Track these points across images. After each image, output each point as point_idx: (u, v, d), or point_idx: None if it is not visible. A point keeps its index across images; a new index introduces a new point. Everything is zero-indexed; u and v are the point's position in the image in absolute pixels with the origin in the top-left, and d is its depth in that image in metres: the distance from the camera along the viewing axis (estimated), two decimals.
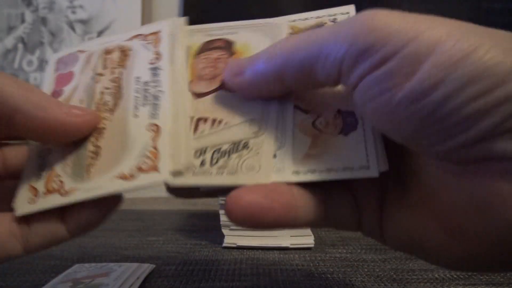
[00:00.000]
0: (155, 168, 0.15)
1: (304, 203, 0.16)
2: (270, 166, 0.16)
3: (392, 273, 0.27)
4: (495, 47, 0.12)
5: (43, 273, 0.28)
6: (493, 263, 0.15)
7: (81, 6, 0.71)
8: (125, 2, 0.70)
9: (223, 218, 0.34)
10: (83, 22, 0.71)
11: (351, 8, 0.19)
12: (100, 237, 0.37)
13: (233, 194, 0.15)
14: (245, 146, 0.17)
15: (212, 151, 0.16)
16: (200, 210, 0.52)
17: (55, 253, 0.32)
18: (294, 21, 0.20)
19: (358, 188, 0.18)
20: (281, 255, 0.31)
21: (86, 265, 0.28)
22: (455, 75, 0.12)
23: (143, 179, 0.15)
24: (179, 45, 0.19)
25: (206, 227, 0.42)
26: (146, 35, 0.20)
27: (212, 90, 0.18)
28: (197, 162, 0.16)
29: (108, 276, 0.25)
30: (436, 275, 0.27)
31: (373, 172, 0.16)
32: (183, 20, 0.20)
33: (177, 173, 0.15)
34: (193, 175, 0.16)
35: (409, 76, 0.13)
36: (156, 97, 0.17)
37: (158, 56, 0.18)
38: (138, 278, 0.26)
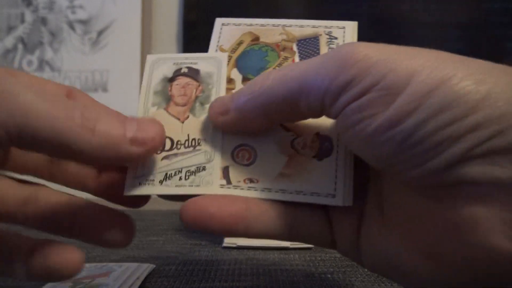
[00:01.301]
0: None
1: (259, 215, 0.17)
2: (217, 182, 0.18)
3: None
4: (468, 76, 0.13)
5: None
6: (470, 287, 0.15)
7: (81, 6, 0.71)
8: (125, 2, 0.70)
9: None
10: (83, 22, 0.71)
11: (347, 24, 0.20)
12: None
13: (190, 199, 0.17)
14: (204, 168, 0.18)
15: (185, 171, 0.18)
16: None
17: None
18: (290, 26, 0.20)
19: (333, 208, 0.18)
20: (281, 255, 0.31)
21: (86, 265, 0.28)
22: (428, 104, 0.13)
23: None
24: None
25: None
26: None
27: (185, 118, 0.19)
28: (177, 177, 0.18)
29: (108, 276, 0.25)
30: None
31: (338, 202, 0.16)
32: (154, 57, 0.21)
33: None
34: (176, 186, 0.18)
35: (387, 105, 0.14)
36: None
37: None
38: (138, 278, 0.25)
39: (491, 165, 0.13)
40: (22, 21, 0.71)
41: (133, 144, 0.15)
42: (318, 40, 0.19)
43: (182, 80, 0.20)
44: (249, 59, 0.20)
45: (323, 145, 0.17)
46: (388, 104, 0.14)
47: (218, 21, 0.22)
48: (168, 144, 0.18)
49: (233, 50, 0.20)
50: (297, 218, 0.18)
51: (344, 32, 0.19)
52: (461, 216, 0.13)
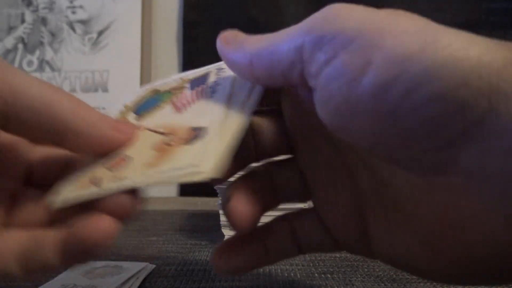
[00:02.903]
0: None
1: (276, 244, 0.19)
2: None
3: (392, 273, 0.27)
4: (456, 41, 0.11)
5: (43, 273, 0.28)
6: (478, 277, 0.14)
7: (81, 6, 0.71)
8: (125, 2, 0.70)
9: (223, 218, 0.34)
10: (83, 22, 0.71)
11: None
12: None
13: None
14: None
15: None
16: (200, 210, 0.52)
17: None
18: (187, 75, 0.21)
19: (319, 207, 0.19)
20: None
21: (86, 265, 0.28)
22: (411, 71, 0.11)
23: None
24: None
25: (206, 227, 0.42)
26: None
27: None
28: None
29: (108, 276, 0.25)
30: None
31: (203, 171, 0.14)
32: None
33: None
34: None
35: (362, 70, 0.12)
36: None
37: None
38: (138, 278, 0.26)
39: (487, 152, 0.11)
40: (22, 21, 0.71)
41: (114, 130, 0.17)
42: (208, 75, 0.20)
43: None
44: (145, 104, 0.21)
45: (194, 132, 0.16)
46: (364, 68, 0.12)
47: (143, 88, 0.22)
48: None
49: (134, 104, 0.21)
50: (298, 232, 0.19)
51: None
52: (457, 209, 0.13)
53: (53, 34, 0.71)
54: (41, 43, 0.71)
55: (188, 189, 0.69)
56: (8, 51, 0.71)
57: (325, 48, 0.13)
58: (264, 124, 0.20)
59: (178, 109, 0.19)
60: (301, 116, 0.19)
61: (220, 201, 0.34)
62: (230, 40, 0.17)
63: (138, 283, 0.25)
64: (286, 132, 0.20)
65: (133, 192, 0.15)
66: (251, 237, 0.19)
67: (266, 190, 0.19)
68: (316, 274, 0.27)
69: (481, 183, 0.12)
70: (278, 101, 0.20)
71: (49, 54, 0.70)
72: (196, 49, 0.70)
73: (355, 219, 0.18)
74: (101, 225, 0.14)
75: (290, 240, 0.19)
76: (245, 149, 0.19)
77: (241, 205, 0.17)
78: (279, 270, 0.28)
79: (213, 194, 0.35)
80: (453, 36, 0.11)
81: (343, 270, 0.28)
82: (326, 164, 0.18)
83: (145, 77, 0.69)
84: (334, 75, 0.13)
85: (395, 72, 0.12)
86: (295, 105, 0.19)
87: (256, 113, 0.19)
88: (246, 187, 0.18)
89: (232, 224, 0.17)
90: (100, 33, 0.70)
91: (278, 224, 0.20)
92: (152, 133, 0.18)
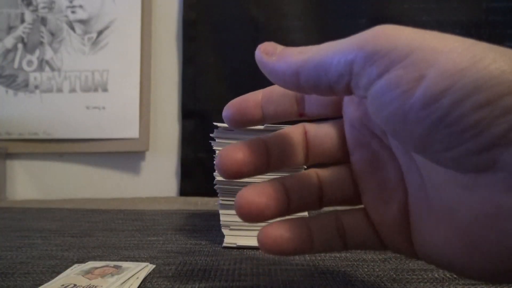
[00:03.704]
0: None
1: (320, 234, 0.20)
2: None
3: (392, 273, 0.27)
4: (500, 57, 0.13)
5: (43, 273, 0.28)
6: (506, 278, 0.15)
7: (81, 6, 0.71)
8: (125, 2, 0.70)
9: (223, 218, 0.34)
10: (83, 22, 0.71)
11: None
12: (100, 237, 0.37)
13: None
14: None
15: None
16: (200, 210, 0.52)
17: (55, 253, 0.32)
18: None
19: (368, 204, 0.20)
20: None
21: (86, 265, 0.28)
22: (461, 83, 0.13)
23: None
24: None
25: (206, 227, 0.42)
26: None
27: None
28: None
29: (108, 276, 0.25)
30: (436, 275, 0.27)
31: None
32: None
33: None
34: None
35: (416, 83, 0.14)
36: None
37: None
38: (138, 278, 0.26)
39: None
40: (22, 21, 0.71)
41: None
42: None
43: None
44: None
45: None
46: (417, 82, 0.14)
47: None
48: None
49: None
50: (344, 225, 0.20)
51: None
52: (496, 206, 0.14)
53: (52, 34, 0.71)
54: (41, 43, 0.71)
55: (188, 189, 0.69)
56: (8, 51, 0.71)
57: (378, 63, 0.14)
58: (320, 130, 0.21)
59: None
60: (361, 120, 0.20)
61: (220, 201, 0.34)
62: (271, 52, 0.18)
63: (138, 283, 0.25)
64: (344, 137, 0.21)
65: None
66: (299, 221, 0.20)
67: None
68: (316, 274, 0.27)
69: None
70: (339, 107, 0.21)
71: (49, 53, 0.70)
72: (196, 48, 0.70)
73: (402, 219, 0.18)
74: None
75: (337, 233, 0.20)
76: (297, 156, 0.21)
77: (234, 151, 0.19)
78: (279, 270, 0.28)
79: (213, 194, 0.35)
80: (498, 53, 0.13)
81: (343, 270, 0.28)
82: (380, 166, 0.19)
83: (144, 77, 0.69)
84: (387, 88, 0.14)
85: (447, 84, 0.13)
86: (356, 111, 0.20)
87: (318, 120, 0.21)
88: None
89: (218, 165, 0.19)
90: (100, 32, 0.70)
91: (326, 217, 0.20)
92: None
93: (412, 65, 0.14)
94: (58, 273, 0.27)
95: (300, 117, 0.21)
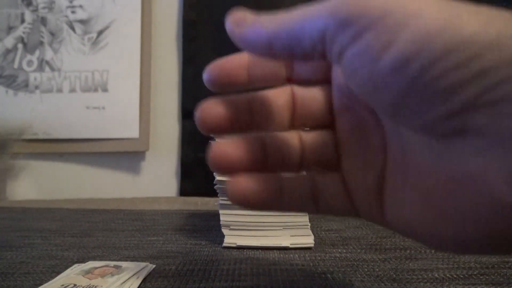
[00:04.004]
0: None
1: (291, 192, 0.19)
2: None
3: (392, 273, 0.27)
4: (474, 18, 0.12)
5: (43, 273, 0.28)
6: (482, 245, 0.15)
7: (81, 6, 0.71)
8: (125, 2, 0.70)
9: (223, 218, 0.34)
10: (83, 22, 0.71)
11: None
12: (100, 237, 0.37)
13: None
14: None
15: None
16: (200, 210, 0.52)
17: (55, 253, 0.32)
18: None
19: (347, 170, 0.19)
20: (281, 255, 0.31)
21: (86, 264, 0.28)
22: (431, 47, 0.12)
23: None
24: None
25: (206, 227, 0.42)
26: None
27: None
28: None
29: (108, 276, 0.25)
30: (436, 275, 0.27)
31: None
32: None
33: None
34: None
35: (386, 48, 0.13)
36: None
37: None
38: (138, 278, 0.26)
39: (499, 115, 0.12)
40: (22, 21, 0.71)
41: None
42: None
43: None
44: None
45: None
46: (388, 47, 0.13)
47: None
48: None
49: None
50: (319, 187, 0.20)
51: None
52: (465, 168, 0.13)
53: (52, 34, 0.71)
54: (41, 43, 0.71)
55: (188, 189, 0.69)
56: (8, 51, 0.71)
57: (349, 29, 0.14)
58: (308, 94, 0.20)
59: None
60: (347, 85, 0.19)
61: (220, 201, 0.34)
62: (240, 22, 0.18)
63: (138, 283, 0.25)
64: (331, 101, 0.20)
65: None
66: (272, 176, 0.19)
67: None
68: (316, 274, 0.27)
69: (491, 143, 0.13)
70: (327, 71, 0.20)
71: (49, 54, 0.70)
72: (196, 48, 0.70)
73: (377, 187, 0.18)
74: None
75: (311, 195, 0.20)
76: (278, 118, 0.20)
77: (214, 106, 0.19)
78: (279, 270, 0.28)
79: (213, 194, 0.35)
80: (472, 14, 0.12)
81: (343, 270, 0.28)
82: (365, 132, 0.19)
83: (144, 77, 0.69)
84: (358, 54, 0.14)
85: (416, 48, 0.13)
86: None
87: (306, 83, 0.20)
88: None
89: (197, 120, 0.19)
90: (100, 32, 0.70)
91: (302, 177, 0.20)
92: None
93: (383, 30, 0.13)
94: (58, 273, 0.27)
95: (288, 82, 0.21)
